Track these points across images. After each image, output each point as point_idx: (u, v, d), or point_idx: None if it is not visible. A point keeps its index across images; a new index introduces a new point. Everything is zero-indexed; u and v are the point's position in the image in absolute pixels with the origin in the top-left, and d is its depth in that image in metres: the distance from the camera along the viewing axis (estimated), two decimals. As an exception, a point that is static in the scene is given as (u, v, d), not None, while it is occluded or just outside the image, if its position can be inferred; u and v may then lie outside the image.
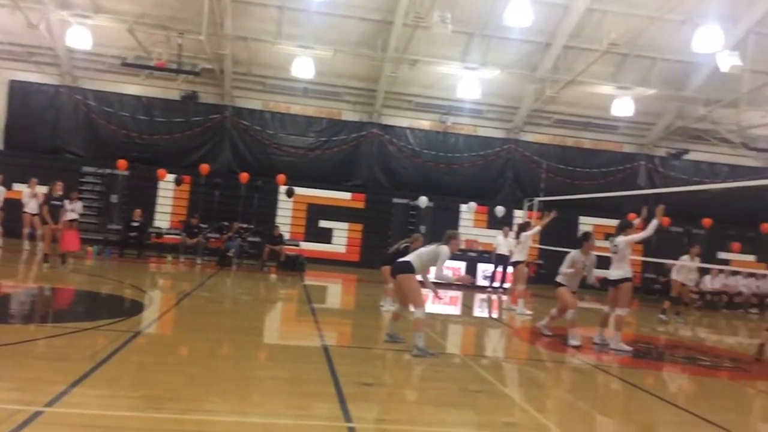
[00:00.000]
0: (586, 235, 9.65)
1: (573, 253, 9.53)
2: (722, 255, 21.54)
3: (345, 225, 21.16)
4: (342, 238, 21.20)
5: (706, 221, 21.02)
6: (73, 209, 14.88)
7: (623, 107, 19.78)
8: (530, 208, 18.86)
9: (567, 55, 19.03)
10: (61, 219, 13.34)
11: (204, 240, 18.27)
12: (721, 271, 18.60)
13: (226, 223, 18.76)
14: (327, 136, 21.57)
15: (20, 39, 19.15)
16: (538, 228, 13.64)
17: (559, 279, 9.56)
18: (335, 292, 16.25)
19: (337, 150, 21.60)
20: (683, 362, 8.76)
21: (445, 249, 7.75)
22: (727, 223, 21.47)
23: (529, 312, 12.74)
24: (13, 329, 7.29)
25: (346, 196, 21.34)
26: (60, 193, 13.40)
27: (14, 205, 15.93)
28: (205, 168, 19.45)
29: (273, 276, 16.86)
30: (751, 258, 21.55)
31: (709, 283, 18.63)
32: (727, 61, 16.28)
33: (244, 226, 19.12)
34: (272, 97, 21.41)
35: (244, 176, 19.59)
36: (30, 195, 15.55)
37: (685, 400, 6.89)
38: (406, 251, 9.20)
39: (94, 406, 4.66)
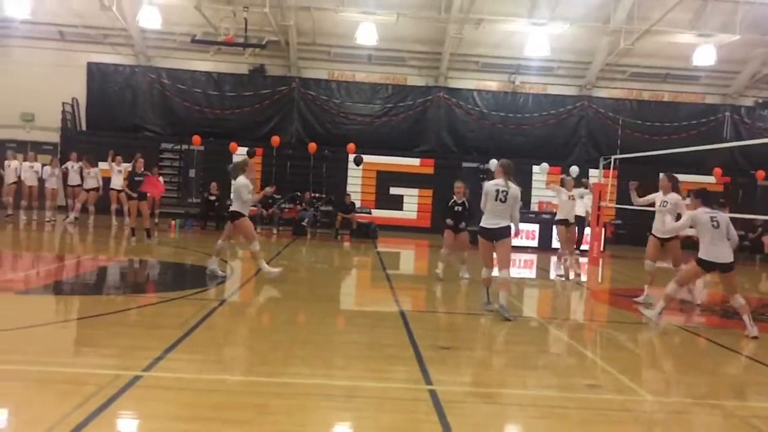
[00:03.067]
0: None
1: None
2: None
3: (415, 191, 21.16)
4: (412, 204, 21.23)
5: (800, 173, 19.84)
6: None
7: (704, 56, 18.73)
8: (606, 167, 18.22)
9: (642, 3, 18.11)
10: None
11: (279, 210, 18.69)
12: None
13: (298, 193, 19.11)
14: (393, 102, 21.50)
15: (94, 21, 19.89)
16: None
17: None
18: (408, 258, 16.33)
19: (403, 116, 21.52)
20: None
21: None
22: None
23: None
24: (108, 300, 7.72)
25: (415, 162, 21.28)
26: (142, 169, 13.92)
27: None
28: (275, 140, 19.79)
29: (346, 244, 17.10)
30: None
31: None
32: (820, 0, 15.10)
33: (317, 195, 19.42)
34: (337, 65, 21.45)
35: (312, 146, 19.79)
36: (116, 172, 16.31)
37: None
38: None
39: (189, 370, 4.90)
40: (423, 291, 10.68)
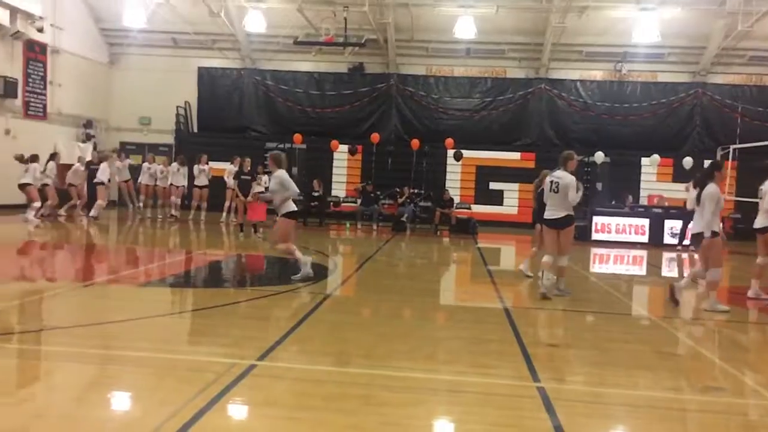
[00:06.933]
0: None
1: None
2: None
3: (515, 186, 20.75)
4: (513, 199, 20.85)
5: None
6: (259, 183, 16.09)
7: (836, 34, 17.20)
8: (725, 158, 17.12)
9: (762, -19, 16.89)
10: (250, 192, 14.51)
11: (378, 206, 18.94)
12: None
13: (398, 189, 19.27)
14: (492, 96, 21.22)
15: (204, 28, 20.93)
16: None
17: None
18: (509, 254, 16.07)
19: (503, 109, 21.19)
20: None
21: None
22: None
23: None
24: (222, 292, 8.12)
25: (516, 156, 20.89)
26: (248, 168, 14.57)
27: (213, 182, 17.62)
28: (375, 137, 20.03)
29: (446, 239, 17.06)
30: None
31: None
32: None
33: (416, 191, 19.49)
34: (435, 61, 21.44)
35: (415, 143, 19.83)
36: (199, 171, 17.08)
37: None
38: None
39: (299, 360, 5.08)
40: (526, 287, 10.49)
